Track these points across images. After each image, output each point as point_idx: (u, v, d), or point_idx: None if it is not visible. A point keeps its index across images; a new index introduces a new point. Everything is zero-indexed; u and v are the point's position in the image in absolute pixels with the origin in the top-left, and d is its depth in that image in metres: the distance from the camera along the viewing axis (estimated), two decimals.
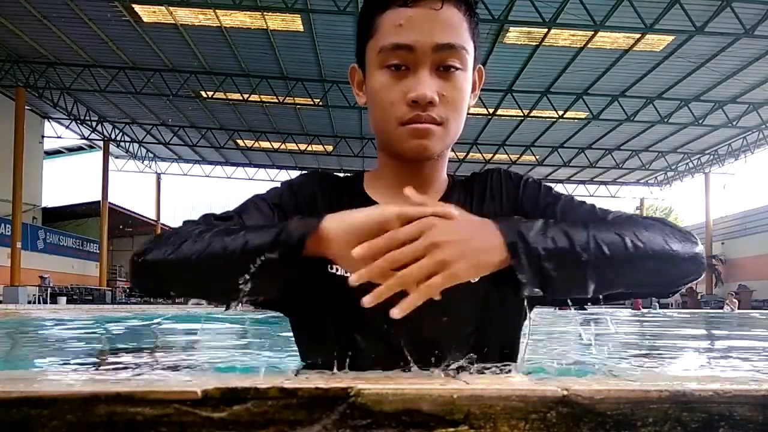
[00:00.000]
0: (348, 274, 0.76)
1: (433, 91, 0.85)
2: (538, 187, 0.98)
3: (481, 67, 0.98)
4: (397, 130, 0.87)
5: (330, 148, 20.99)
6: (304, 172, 1.02)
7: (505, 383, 0.56)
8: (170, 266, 0.75)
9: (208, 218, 0.84)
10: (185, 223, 0.82)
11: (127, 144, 22.31)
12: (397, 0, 0.86)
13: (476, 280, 0.81)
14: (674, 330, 7.36)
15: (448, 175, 1.01)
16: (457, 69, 0.87)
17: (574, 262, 0.71)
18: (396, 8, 0.86)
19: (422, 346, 0.86)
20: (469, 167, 22.82)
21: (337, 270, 0.87)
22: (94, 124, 19.55)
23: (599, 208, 0.92)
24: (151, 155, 24.17)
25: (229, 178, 25.91)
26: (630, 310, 16.99)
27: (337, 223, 0.71)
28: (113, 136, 20.78)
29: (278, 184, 0.98)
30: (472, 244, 0.69)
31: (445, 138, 0.89)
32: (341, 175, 1.04)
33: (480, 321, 0.90)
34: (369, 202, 0.93)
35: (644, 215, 0.88)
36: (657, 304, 19.96)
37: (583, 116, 16.65)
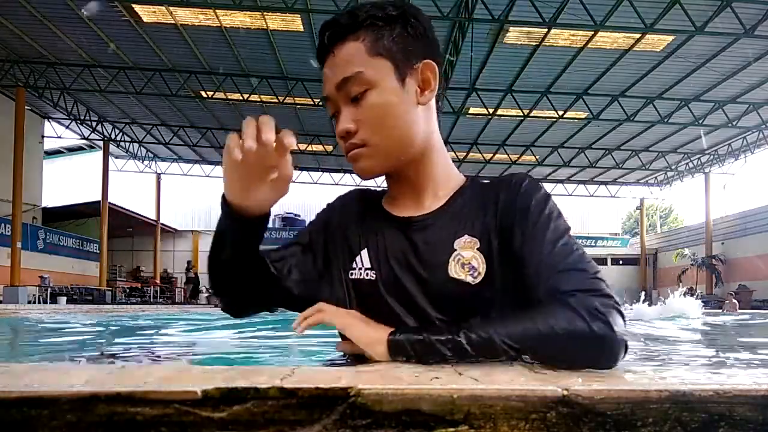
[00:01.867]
0: (363, 278, 1.01)
1: (347, 122, 0.96)
2: (539, 220, 0.92)
3: (429, 62, 0.98)
4: (349, 159, 1.00)
5: (330, 148, 20.97)
6: (348, 191, 1.18)
7: (505, 383, 0.55)
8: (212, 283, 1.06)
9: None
10: None
11: (127, 144, 22.30)
12: (319, 61, 1.01)
13: (476, 281, 0.93)
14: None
15: (469, 177, 1.07)
16: (364, 92, 0.94)
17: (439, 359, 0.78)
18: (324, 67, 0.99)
19: None
20: (469, 167, 22.81)
21: (353, 274, 1.03)
22: (94, 124, 19.53)
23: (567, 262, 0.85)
24: (151, 155, 24.16)
25: None
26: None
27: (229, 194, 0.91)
28: (113, 136, 20.76)
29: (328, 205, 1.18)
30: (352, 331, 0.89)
31: (376, 154, 0.97)
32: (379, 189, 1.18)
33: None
34: (381, 210, 1.07)
35: (576, 306, 0.77)
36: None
37: (583, 116, 16.64)
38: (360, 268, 1.01)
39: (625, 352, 0.76)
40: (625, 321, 0.78)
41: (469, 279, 0.92)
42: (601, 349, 0.75)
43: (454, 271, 0.92)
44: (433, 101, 1.03)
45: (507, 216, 0.94)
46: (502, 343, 0.76)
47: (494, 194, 0.98)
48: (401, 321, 0.95)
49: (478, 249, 0.93)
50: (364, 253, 1.02)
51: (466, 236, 0.95)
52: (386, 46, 0.95)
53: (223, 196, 0.91)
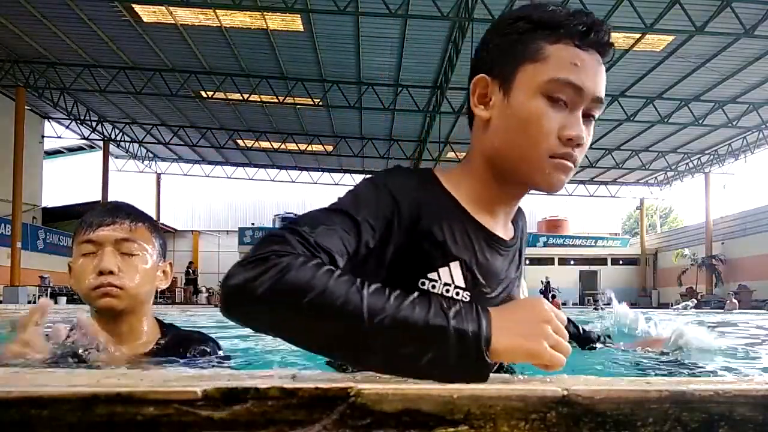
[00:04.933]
0: (448, 295, 0.87)
1: (584, 133, 0.89)
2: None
3: None
4: (543, 160, 0.87)
5: (330, 148, 20.97)
6: (389, 169, 0.93)
7: (505, 383, 0.55)
8: (267, 298, 0.66)
9: (299, 234, 0.74)
10: (271, 237, 0.73)
11: (127, 144, 22.30)
12: (571, 37, 0.87)
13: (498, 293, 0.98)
14: None
15: None
16: (594, 119, 0.92)
17: None
18: (569, 45, 0.88)
19: None
20: None
21: (426, 285, 0.87)
22: (94, 124, 19.52)
23: None
24: (151, 155, 24.16)
25: (229, 178, 25.89)
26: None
27: (505, 343, 0.67)
28: (113, 136, 20.76)
29: (366, 187, 0.88)
30: None
31: (571, 174, 0.92)
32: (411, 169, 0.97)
33: None
34: (472, 219, 0.93)
35: None
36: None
37: None
38: (447, 285, 0.87)
39: None
40: None
41: None
42: None
43: (520, 296, 1.01)
44: None
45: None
46: None
47: (522, 226, 1.08)
48: None
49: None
50: (455, 267, 0.88)
51: (521, 264, 1.05)
52: None
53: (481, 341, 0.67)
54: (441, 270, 0.88)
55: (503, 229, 0.97)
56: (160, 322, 1.38)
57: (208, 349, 1.35)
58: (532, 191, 0.97)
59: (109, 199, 19.04)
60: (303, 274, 0.66)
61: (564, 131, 0.86)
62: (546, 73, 0.86)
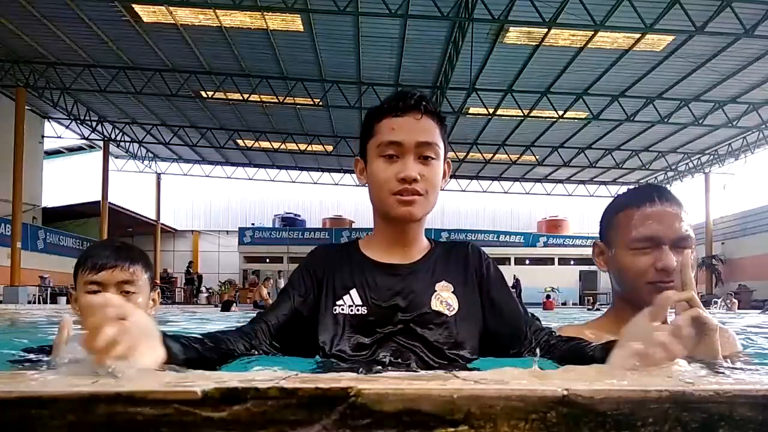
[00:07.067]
0: (352, 313, 1.23)
1: (416, 172, 1.21)
2: (500, 278, 1.36)
3: (449, 160, 1.35)
4: (389, 198, 1.24)
5: (330, 148, 20.98)
6: (311, 250, 1.40)
7: (505, 383, 0.55)
8: None
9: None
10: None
11: (127, 144, 22.30)
12: (389, 112, 1.25)
13: (451, 314, 1.26)
14: None
15: (429, 239, 1.38)
16: (432, 158, 1.24)
17: None
18: (389, 118, 1.25)
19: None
20: (470, 167, 22.80)
21: (336, 310, 1.24)
22: (94, 124, 19.53)
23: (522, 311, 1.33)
24: (151, 155, 24.15)
25: (229, 178, 25.89)
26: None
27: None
28: (113, 136, 20.76)
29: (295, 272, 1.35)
30: None
31: (426, 205, 1.26)
32: (341, 243, 1.43)
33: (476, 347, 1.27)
34: (366, 259, 1.31)
35: None
36: None
37: (583, 116, 16.63)
38: (350, 305, 1.24)
39: None
40: None
41: (446, 312, 1.24)
42: None
43: (435, 305, 1.24)
44: None
45: (482, 278, 1.32)
46: None
47: (461, 255, 1.34)
48: (386, 345, 1.20)
49: (452, 292, 1.27)
50: (354, 292, 1.26)
51: (443, 281, 1.28)
52: (443, 139, 1.29)
53: None
54: (344, 297, 1.26)
55: (401, 258, 1.30)
56: None
57: None
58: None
59: (109, 200, 18.94)
60: None
61: (399, 175, 1.21)
62: (377, 142, 1.25)
